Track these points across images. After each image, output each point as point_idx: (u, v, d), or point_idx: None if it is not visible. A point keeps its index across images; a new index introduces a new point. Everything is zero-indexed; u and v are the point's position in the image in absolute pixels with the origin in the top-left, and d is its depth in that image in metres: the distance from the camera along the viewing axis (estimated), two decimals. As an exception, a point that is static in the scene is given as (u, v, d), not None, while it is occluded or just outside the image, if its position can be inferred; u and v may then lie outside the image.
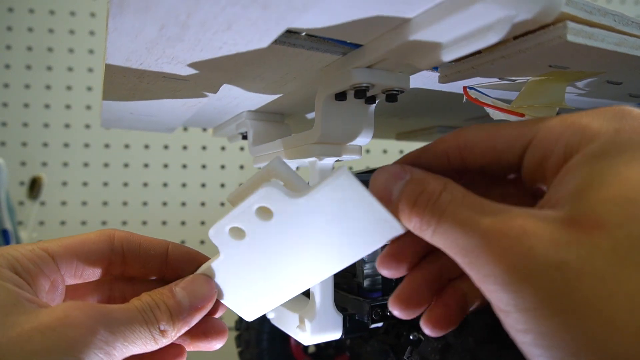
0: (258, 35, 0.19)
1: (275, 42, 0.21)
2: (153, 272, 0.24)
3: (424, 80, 0.27)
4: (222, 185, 0.85)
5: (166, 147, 0.83)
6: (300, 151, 0.28)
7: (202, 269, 0.23)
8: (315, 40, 0.21)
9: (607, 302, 0.13)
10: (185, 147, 0.84)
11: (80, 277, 0.22)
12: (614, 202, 0.14)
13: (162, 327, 0.20)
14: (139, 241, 0.23)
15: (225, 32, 0.19)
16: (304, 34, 0.21)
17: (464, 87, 0.26)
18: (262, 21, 0.18)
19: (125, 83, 0.25)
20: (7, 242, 0.66)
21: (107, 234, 0.23)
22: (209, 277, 0.22)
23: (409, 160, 0.20)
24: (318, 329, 0.29)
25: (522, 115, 0.25)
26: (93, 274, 0.23)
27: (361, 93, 0.23)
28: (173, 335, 0.21)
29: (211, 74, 0.24)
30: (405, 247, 0.20)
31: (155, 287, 0.22)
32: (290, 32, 0.21)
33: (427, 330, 0.20)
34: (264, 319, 0.42)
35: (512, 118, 0.25)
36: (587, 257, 0.13)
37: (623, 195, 0.14)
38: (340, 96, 0.24)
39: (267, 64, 0.24)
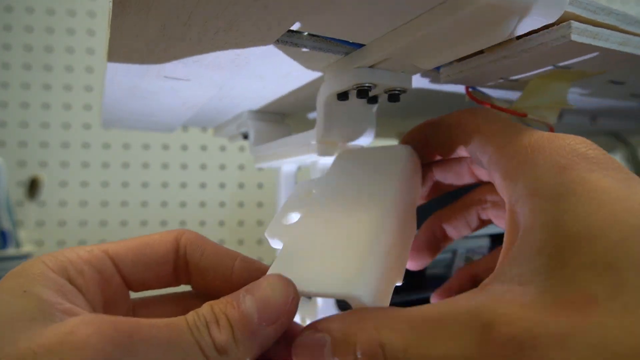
0: (260, 35, 0.19)
1: (277, 41, 0.21)
2: (214, 288, 0.20)
3: (426, 79, 0.27)
4: (222, 185, 0.85)
5: (166, 147, 0.83)
6: (301, 151, 0.28)
7: (274, 268, 0.19)
8: (317, 39, 0.21)
9: None
10: (184, 147, 0.84)
11: (144, 284, 0.19)
12: (594, 271, 0.12)
13: (219, 345, 0.15)
14: (203, 247, 0.20)
15: (226, 32, 0.19)
16: (306, 33, 0.21)
17: (466, 87, 0.26)
18: (263, 21, 0.18)
19: (127, 82, 0.25)
20: (5, 242, 0.66)
21: (174, 234, 0.19)
22: (286, 277, 0.17)
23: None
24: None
25: (525, 115, 0.24)
26: (158, 280, 0.19)
27: (363, 93, 0.23)
28: (238, 358, 0.15)
29: (212, 73, 0.24)
30: (422, 241, 0.26)
31: None
32: (292, 32, 0.21)
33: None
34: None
35: (515, 118, 0.25)
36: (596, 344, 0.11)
37: (601, 260, 0.12)
38: (342, 96, 0.24)
39: (269, 64, 0.24)
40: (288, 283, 0.16)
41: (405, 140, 0.23)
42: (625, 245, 0.12)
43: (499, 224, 0.25)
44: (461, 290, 0.25)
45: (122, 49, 0.20)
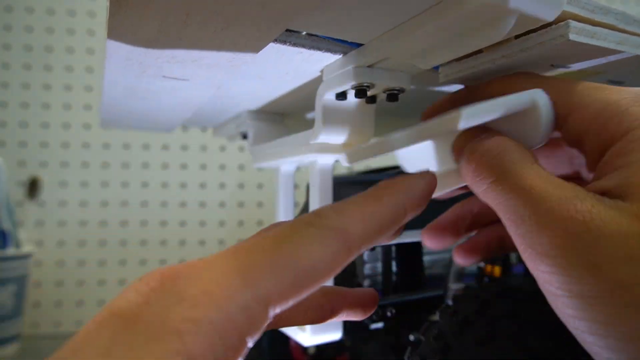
0: (258, 34, 0.19)
1: (276, 41, 0.21)
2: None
3: (426, 77, 0.27)
4: (222, 185, 0.85)
5: (166, 147, 0.83)
6: (300, 150, 0.28)
7: None
8: (315, 39, 0.21)
9: None
10: (184, 147, 0.84)
11: None
12: None
13: None
14: None
15: (224, 31, 0.19)
16: (304, 32, 0.21)
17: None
18: (261, 20, 0.18)
19: (125, 82, 0.25)
20: (5, 242, 0.66)
21: None
22: None
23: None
24: (318, 329, 0.28)
25: None
26: None
27: (362, 93, 0.23)
28: None
29: (211, 73, 0.24)
30: (448, 221, 0.23)
31: None
32: (290, 31, 0.21)
33: (457, 258, 0.23)
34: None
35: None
36: None
37: None
38: (341, 96, 0.24)
39: (267, 64, 0.24)
40: None
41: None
42: None
43: None
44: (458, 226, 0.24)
45: (120, 48, 0.20)
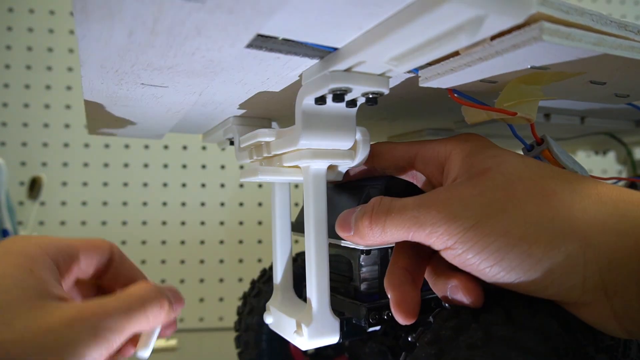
0: (229, 40, 0.19)
1: (252, 46, 0.21)
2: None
3: (410, 82, 0.27)
4: (222, 185, 0.85)
5: (166, 147, 0.83)
6: (288, 156, 0.28)
7: None
8: (291, 44, 0.21)
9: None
10: (185, 147, 0.84)
11: (82, 275, 0.26)
12: (481, 174, 0.23)
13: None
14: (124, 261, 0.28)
15: (195, 38, 0.18)
16: (280, 38, 0.21)
17: (449, 90, 0.26)
18: (230, 26, 0.17)
19: (105, 90, 0.25)
20: (6, 243, 0.66)
21: (108, 244, 0.27)
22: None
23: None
24: (315, 334, 0.28)
25: (515, 114, 0.24)
26: (89, 274, 0.27)
27: (339, 97, 0.23)
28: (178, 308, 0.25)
29: (189, 79, 0.24)
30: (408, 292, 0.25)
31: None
32: (265, 37, 0.20)
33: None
34: (262, 322, 0.42)
35: (498, 116, 0.24)
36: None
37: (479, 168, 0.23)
38: (320, 100, 0.24)
39: (245, 69, 0.24)
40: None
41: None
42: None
43: None
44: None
45: (93, 55, 0.20)
